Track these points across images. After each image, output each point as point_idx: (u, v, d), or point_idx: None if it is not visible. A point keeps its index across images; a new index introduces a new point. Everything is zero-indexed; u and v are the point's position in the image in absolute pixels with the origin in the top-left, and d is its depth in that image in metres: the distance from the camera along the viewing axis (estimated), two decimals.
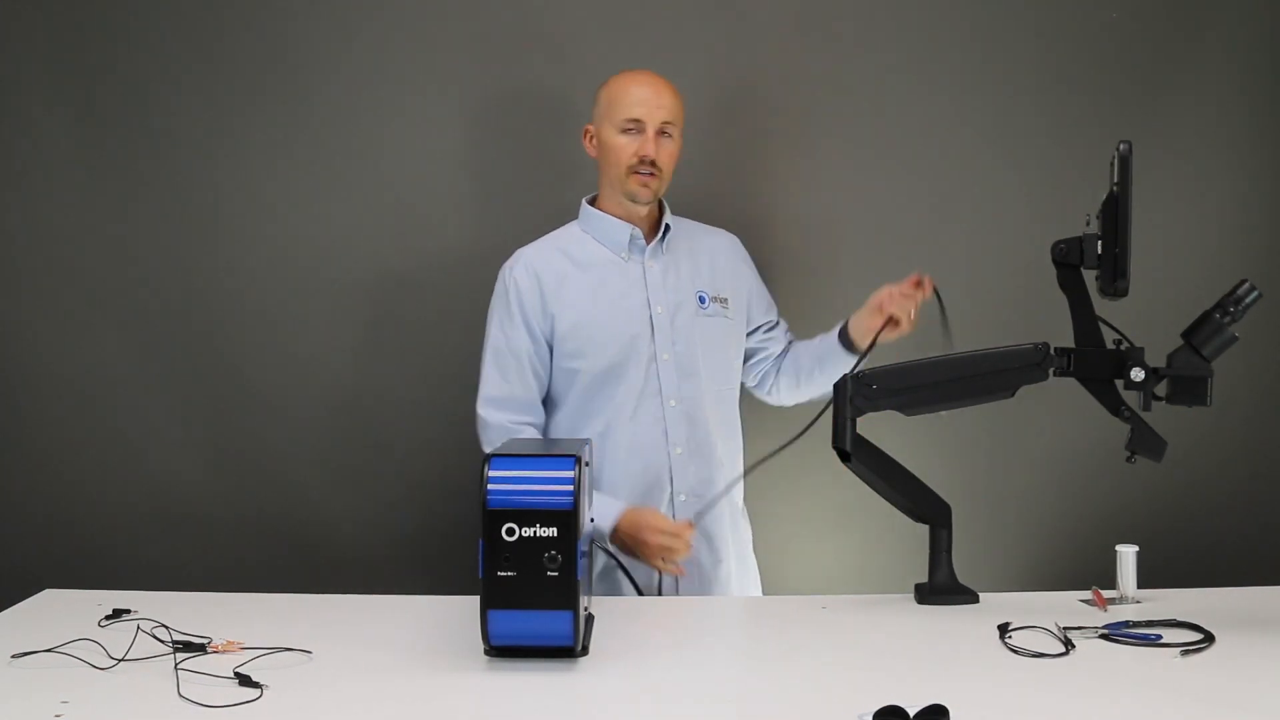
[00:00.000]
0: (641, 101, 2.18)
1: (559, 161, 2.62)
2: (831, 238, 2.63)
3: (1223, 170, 2.69)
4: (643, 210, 2.25)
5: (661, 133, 2.20)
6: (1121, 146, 1.80)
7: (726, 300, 2.31)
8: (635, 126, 2.19)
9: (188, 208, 2.63)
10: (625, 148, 2.19)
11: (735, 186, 2.59)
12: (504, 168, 2.66)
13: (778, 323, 2.41)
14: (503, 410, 2.19)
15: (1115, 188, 1.81)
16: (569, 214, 2.34)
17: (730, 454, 2.32)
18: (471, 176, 2.65)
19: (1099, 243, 1.83)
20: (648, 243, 2.27)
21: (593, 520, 2.04)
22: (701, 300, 2.26)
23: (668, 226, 2.28)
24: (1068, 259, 1.86)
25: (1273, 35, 2.67)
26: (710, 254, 2.33)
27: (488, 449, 2.12)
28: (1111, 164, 1.81)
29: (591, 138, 2.27)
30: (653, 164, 2.19)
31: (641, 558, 2.09)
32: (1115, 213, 1.81)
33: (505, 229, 2.63)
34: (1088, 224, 1.84)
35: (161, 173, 2.62)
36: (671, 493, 2.21)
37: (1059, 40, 2.65)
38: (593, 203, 2.31)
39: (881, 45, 2.65)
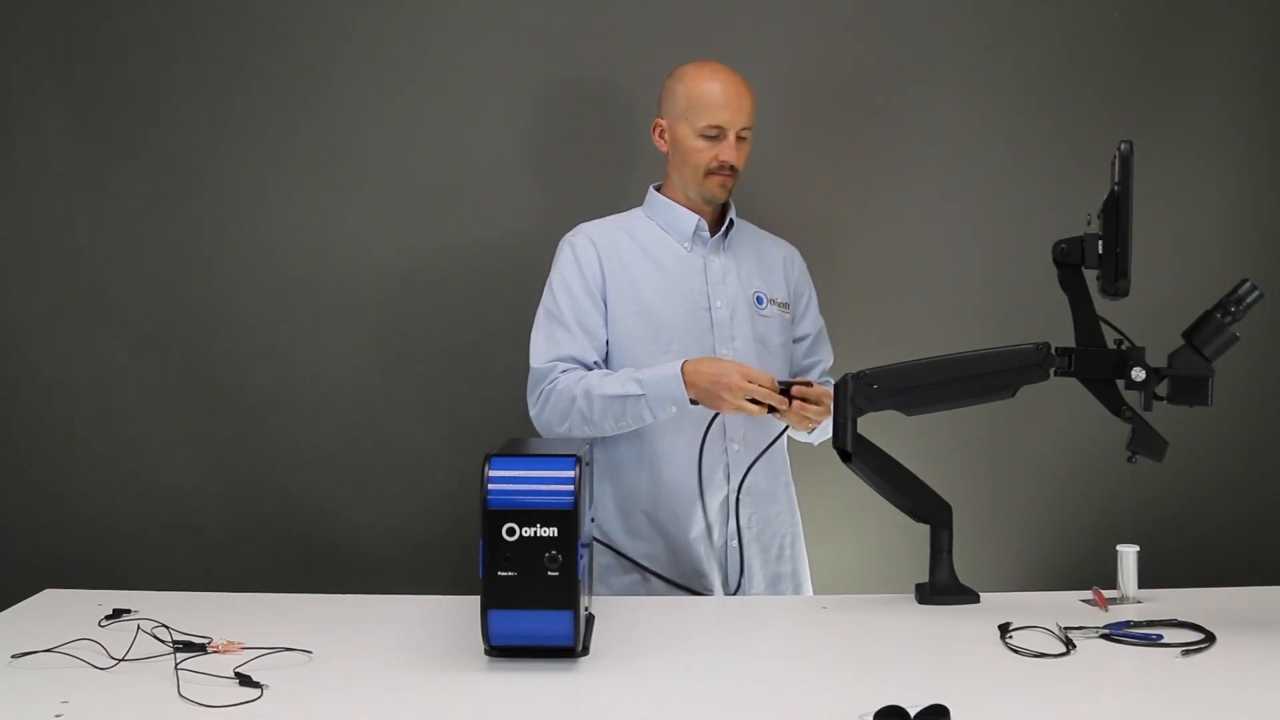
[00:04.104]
0: (725, 106, 2.14)
1: (578, 163, 2.65)
2: (831, 236, 2.63)
3: (1224, 169, 2.69)
4: (701, 203, 2.23)
5: (740, 137, 2.17)
6: (1123, 146, 1.80)
7: (787, 305, 2.29)
8: (717, 133, 2.15)
9: (189, 207, 2.63)
10: (705, 151, 2.16)
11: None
12: (515, 168, 2.66)
13: (814, 347, 2.35)
14: (545, 378, 2.13)
15: (1116, 187, 1.81)
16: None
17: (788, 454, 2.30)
18: (481, 179, 2.65)
19: (1100, 242, 1.83)
20: (711, 236, 2.25)
21: (640, 394, 2.02)
22: (759, 301, 2.24)
23: (731, 222, 2.26)
24: (1069, 258, 1.86)
25: (1274, 35, 2.67)
26: (772, 260, 2.31)
27: (546, 411, 2.10)
28: (1112, 163, 1.81)
29: (662, 132, 2.22)
30: (731, 167, 2.17)
31: (715, 404, 2.01)
32: (1116, 212, 1.81)
33: (509, 230, 2.64)
34: (1089, 223, 1.84)
35: (163, 173, 2.62)
36: (729, 490, 2.18)
37: (1060, 39, 2.65)
38: (658, 190, 2.29)
39: (880, 45, 2.65)
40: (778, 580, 2.26)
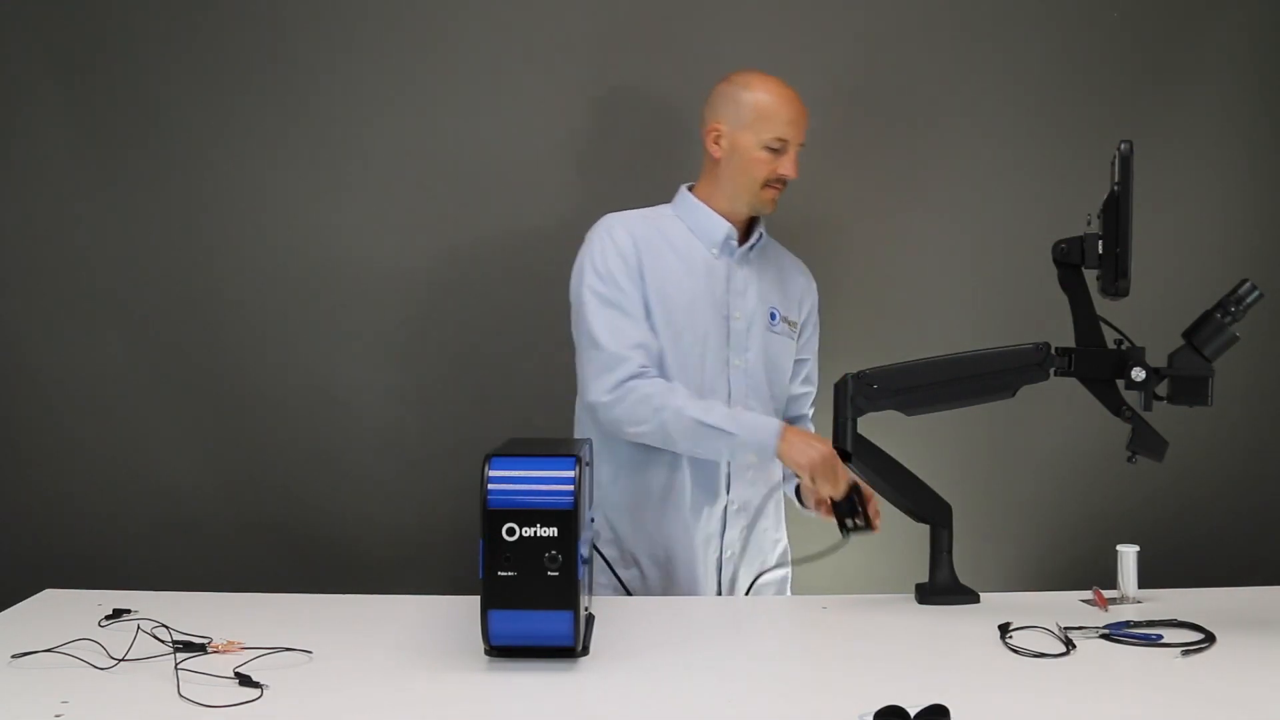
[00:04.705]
0: (792, 122, 2.14)
1: (581, 166, 2.64)
2: (831, 236, 2.63)
3: (1224, 169, 2.69)
4: (745, 213, 2.21)
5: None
6: (1123, 146, 1.80)
7: (795, 324, 2.28)
8: (781, 146, 2.14)
9: (189, 207, 2.63)
10: (766, 163, 2.14)
11: None
12: (517, 169, 2.65)
13: (811, 373, 2.36)
14: (626, 373, 2.07)
15: (1116, 187, 1.81)
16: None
17: (784, 473, 2.29)
18: (483, 179, 2.64)
19: (1100, 242, 1.83)
20: (738, 246, 2.22)
21: (731, 433, 2.03)
22: (772, 316, 2.23)
23: (760, 234, 2.24)
24: (1068, 258, 1.86)
25: (1274, 35, 2.67)
26: (790, 279, 2.30)
27: (622, 407, 2.06)
28: (1112, 163, 1.81)
29: (718, 137, 2.18)
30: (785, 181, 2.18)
31: (798, 466, 2.05)
32: (1116, 212, 1.81)
33: (510, 231, 2.64)
34: (1089, 223, 1.84)
35: (164, 172, 2.62)
36: (726, 501, 2.19)
37: (1061, 39, 2.65)
38: (691, 191, 2.25)
39: (880, 44, 2.65)
40: (760, 591, 2.27)
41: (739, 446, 2.07)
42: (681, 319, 2.15)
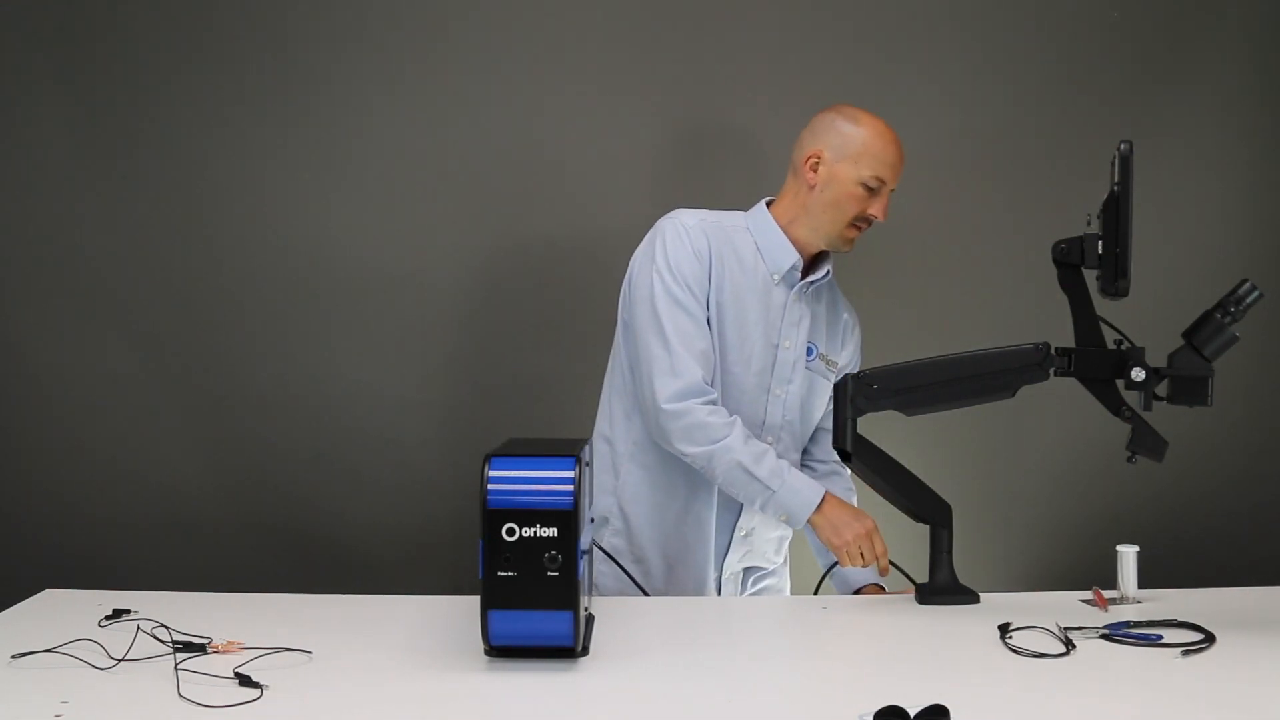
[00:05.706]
0: (893, 165, 2.09)
1: (583, 172, 2.64)
2: None
3: (1223, 170, 2.69)
4: (821, 246, 2.17)
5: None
6: (1122, 146, 1.80)
7: (836, 364, 2.25)
8: (878, 187, 2.09)
9: (188, 208, 2.63)
10: (859, 200, 2.09)
11: (734, 183, 2.60)
12: (522, 172, 2.65)
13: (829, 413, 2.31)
14: (691, 384, 2.04)
15: (1116, 187, 1.81)
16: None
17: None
18: (486, 181, 2.64)
19: (1099, 242, 1.84)
20: (801, 277, 2.18)
21: (771, 489, 2.02)
22: (809, 352, 2.20)
23: (828, 273, 2.20)
24: (1068, 259, 1.87)
25: (1274, 35, 2.67)
26: (838, 321, 2.27)
27: (681, 425, 2.03)
28: (1112, 163, 1.81)
29: (816, 165, 2.11)
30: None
31: (831, 545, 2.03)
32: (1116, 212, 1.81)
33: (513, 234, 2.64)
34: (1088, 224, 1.85)
35: (164, 172, 2.62)
36: (737, 524, 2.19)
37: (1060, 40, 2.66)
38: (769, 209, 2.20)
39: (881, 43, 2.65)
40: (768, 591, 2.29)
41: (773, 503, 2.04)
42: (732, 336, 2.12)
